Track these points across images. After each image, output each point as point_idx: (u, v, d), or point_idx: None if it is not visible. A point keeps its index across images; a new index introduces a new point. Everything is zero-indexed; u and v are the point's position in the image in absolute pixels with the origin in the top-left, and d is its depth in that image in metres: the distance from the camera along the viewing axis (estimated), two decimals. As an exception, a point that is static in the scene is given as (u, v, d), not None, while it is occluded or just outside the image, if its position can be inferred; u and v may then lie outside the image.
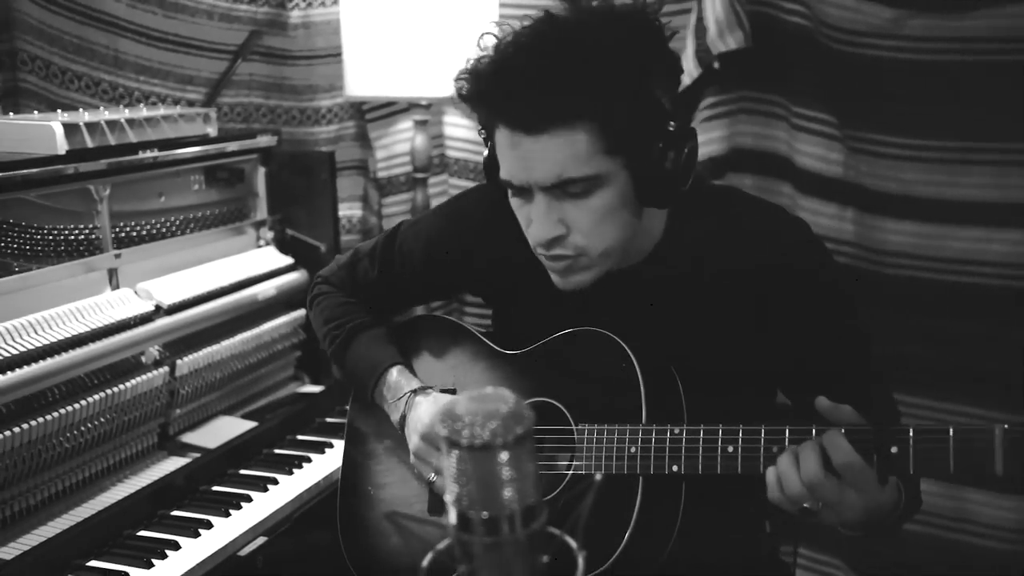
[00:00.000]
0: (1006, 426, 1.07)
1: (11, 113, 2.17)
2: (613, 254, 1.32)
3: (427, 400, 1.47)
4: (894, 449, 1.10)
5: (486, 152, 1.39)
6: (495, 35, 1.30)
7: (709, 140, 2.31)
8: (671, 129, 1.26)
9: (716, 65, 2.22)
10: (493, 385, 1.47)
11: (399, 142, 2.77)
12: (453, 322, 1.64)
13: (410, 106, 2.58)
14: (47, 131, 1.82)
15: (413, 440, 1.47)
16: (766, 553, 1.54)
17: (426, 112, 2.56)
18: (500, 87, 1.25)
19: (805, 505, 1.15)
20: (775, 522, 1.55)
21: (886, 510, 1.18)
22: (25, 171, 1.73)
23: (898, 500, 1.20)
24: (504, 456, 0.70)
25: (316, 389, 2.33)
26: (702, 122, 2.31)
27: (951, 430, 1.09)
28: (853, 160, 2.16)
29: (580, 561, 0.74)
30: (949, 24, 1.97)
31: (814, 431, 1.16)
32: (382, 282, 1.64)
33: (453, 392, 1.51)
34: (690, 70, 2.26)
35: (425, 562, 0.77)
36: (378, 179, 2.79)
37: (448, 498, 0.73)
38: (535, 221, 1.29)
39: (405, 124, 2.72)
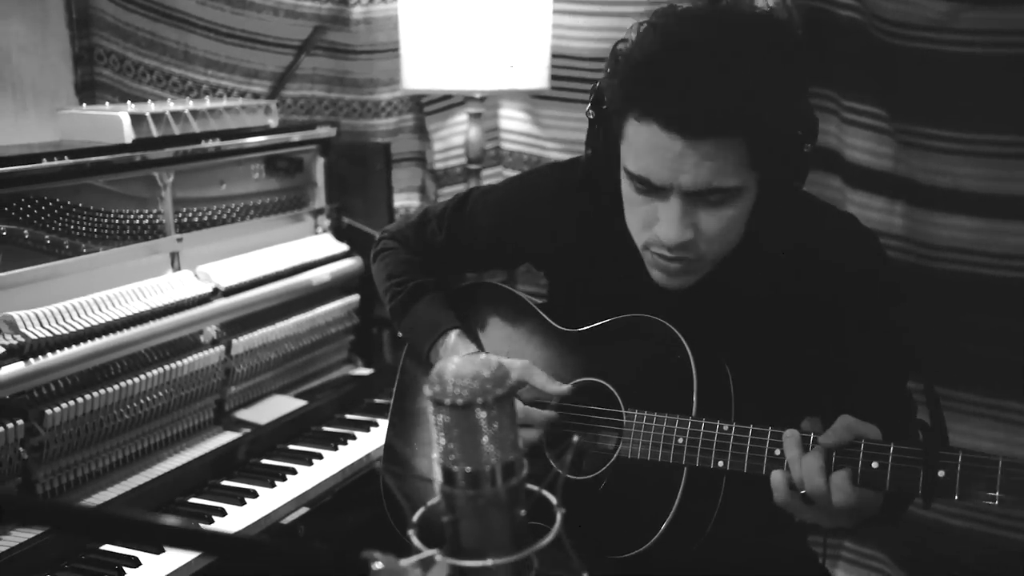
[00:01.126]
0: (1011, 459, 1.07)
1: (84, 104, 2.29)
2: (720, 259, 1.34)
3: None
4: (941, 473, 1.10)
5: (594, 133, 1.36)
6: (651, 23, 1.26)
7: (757, 133, 2.32)
8: (806, 151, 1.27)
9: (765, 58, 2.23)
10: (550, 359, 1.51)
11: (456, 134, 2.84)
12: (512, 292, 1.66)
13: (465, 99, 2.64)
14: (115, 121, 1.93)
15: None
16: (794, 541, 1.55)
17: (480, 105, 2.62)
18: (668, 85, 1.20)
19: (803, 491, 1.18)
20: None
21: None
22: (94, 158, 1.85)
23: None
24: (483, 415, 0.75)
25: (368, 372, 2.41)
26: (751, 115, 2.32)
27: (1000, 461, 1.08)
28: (904, 154, 2.15)
29: (558, 516, 0.79)
30: (1004, 17, 1.95)
31: (863, 445, 1.16)
32: (448, 246, 1.67)
33: None
34: (739, 63, 2.27)
35: (416, 516, 0.82)
36: (435, 170, 2.86)
37: (435, 455, 0.78)
38: (666, 222, 1.27)
39: (462, 117, 2.78)
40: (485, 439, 0.76)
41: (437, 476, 0.78)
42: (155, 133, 1.98)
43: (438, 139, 2.86)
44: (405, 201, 2.87)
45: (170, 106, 2.06)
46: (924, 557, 2.28)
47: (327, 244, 2.37)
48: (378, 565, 0.74)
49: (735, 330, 1.39)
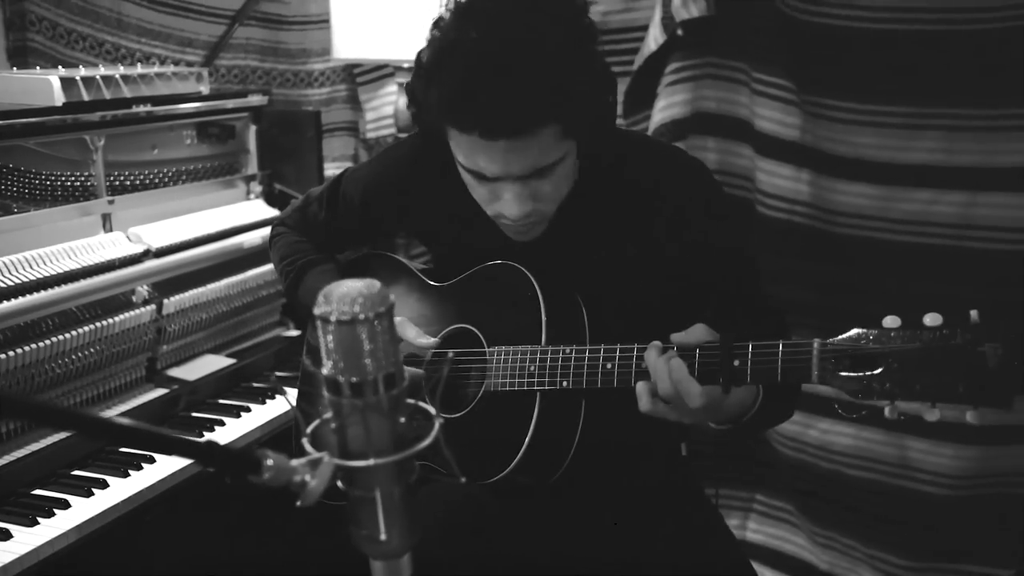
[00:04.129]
0: (824, 341, 1.21)
1: (14, 68, 2.33)
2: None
3: None
4: (736, 362, 1.24)
5: (418, 120, 1.48)
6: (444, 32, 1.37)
7: (672, 104, 2.42)
8: (610, 101, 1.41)
9: (680, 32, 2.33)
10: (425, 313, 1.62)
11: (387, 104, 2.91)
12: (395, 259, 1.79)
13: (395, 70, 2.71)
14: (45, 84, 1.97)
15: None
16: (683, 479, 1.65)
17: (409, 75, 2.68)
18: (477, 102, 1.28)
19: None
20: (692, 447, 1.67)
21: (735, 412, 1.31)
22: (24, 120, 1.89)
23: (753, 402, 1.32)
24: (365, 330, 0.84)
25: (298, 333, 2.48)
26: (667, 86, 2.42)
27: (781, 345, 1.23)
28: (810, 124, 2.27)
29: (436, 424, 0.88)
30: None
31: (674, 349, 1.29)
32: (329, 224, 1.78)
33: None
34: (656, 37, 2.38)
35: (309, 428, 0.90)
36: (367, 140, 2.93)
37: (324, 370, 0.87)
38: (507, 202, 1.39)
39: (394, 87, 2.85)
40: (367, 352, 0.85)
41: (324, 389, 0.87)
42: (86, 97, 2.03)
43: (370, 109, 2.92)
44: (338, 170, 2.93)
45: (101, 71, 2.10)
46: (825, 506, 2.42)
47: (259, 209, 2.43)
48: (269, 462, 0.83)
49: (588, 267, 1.51)
